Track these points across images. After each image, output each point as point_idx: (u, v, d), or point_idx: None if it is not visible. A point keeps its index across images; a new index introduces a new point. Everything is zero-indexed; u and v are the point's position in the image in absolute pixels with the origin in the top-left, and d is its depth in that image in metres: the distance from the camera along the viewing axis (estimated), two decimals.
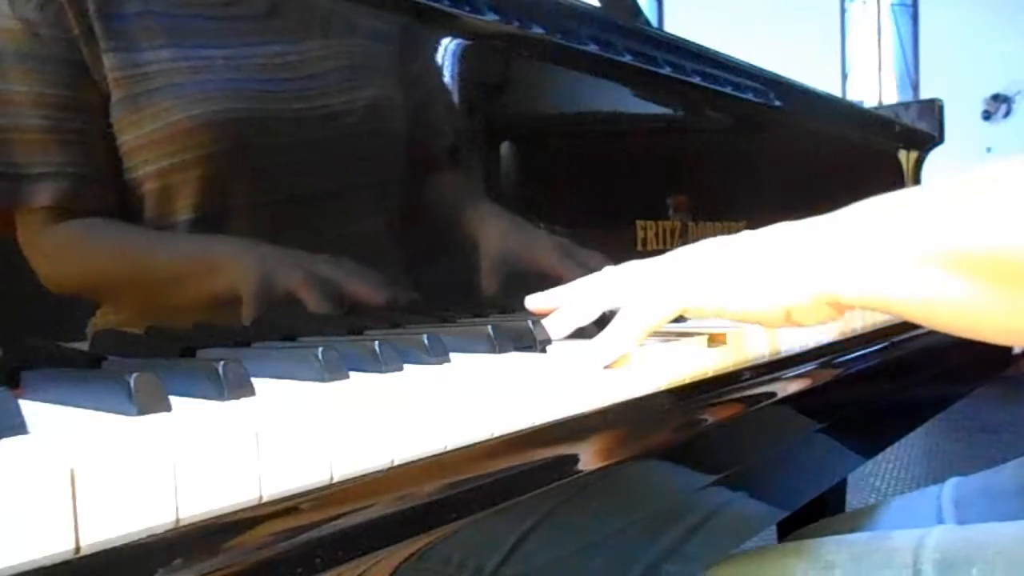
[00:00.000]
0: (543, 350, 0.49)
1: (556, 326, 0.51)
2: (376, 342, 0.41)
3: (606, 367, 0.46)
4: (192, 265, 0.50)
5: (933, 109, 1.50)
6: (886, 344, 0.75)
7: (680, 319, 0.59)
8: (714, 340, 0.55)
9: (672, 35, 0.89)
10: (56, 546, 0.23)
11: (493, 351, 0.47)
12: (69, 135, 0.45)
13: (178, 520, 0.26)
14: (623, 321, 0.48)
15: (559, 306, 0.54)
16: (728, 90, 0.94)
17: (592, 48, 0.76)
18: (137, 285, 0.48)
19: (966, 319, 0.40)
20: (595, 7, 0.86)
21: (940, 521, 0.75)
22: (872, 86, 5.91)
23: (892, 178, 1.38)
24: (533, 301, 0.56)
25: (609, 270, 0.54)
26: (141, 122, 0.47)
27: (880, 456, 2.95)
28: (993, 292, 0.39)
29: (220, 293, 0.51)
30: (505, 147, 0.70)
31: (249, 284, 0.52)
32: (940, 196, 0.42)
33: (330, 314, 0.55)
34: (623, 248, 0.78)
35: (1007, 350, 1.14)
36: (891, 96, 5.86)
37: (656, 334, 0.56)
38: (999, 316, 0.39)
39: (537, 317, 0.53)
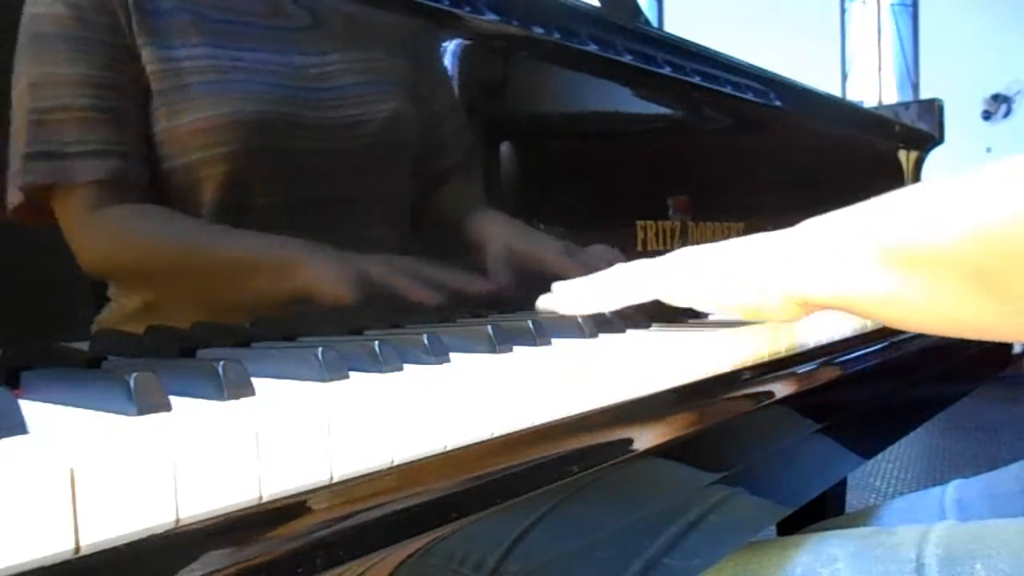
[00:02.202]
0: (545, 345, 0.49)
1: (556, 302, 0.57)
2: (376, 342, 0.41)
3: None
4: (233, 258, 0.51)
5: (933, 109, 1.50)
6: (886, 344, 0.75)
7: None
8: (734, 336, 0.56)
9: (672, 35, 0.89)
10: (56, 546, 0.23)
11: (493, 351, 0.47)
12: (112, 120, 0.46)
13: (178, 520, 0.26)
14: (603, 287, 0.55)
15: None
16: (728, 90, 0.94)
17: (592, 48, 0.76)
18: (179, 270, 0.49)
19: (899, 310, 0.45)
20: (595, 7, 0.86)
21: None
22: (872, 86, 5.91)
23: (892, 178, 1.38)
24: (545, 302, 0.59)
25: (619, 265, 0.58)
26: (175, 115, 0.48)
27: (880, 456, 2.95)
28: (914, 283, 0.43)
29: (258, 287, 0.52)
30: (505, 147, 0.70)
31: (287, 278, 0.53)
32: (877, 204, 0.46)
33: (330, 314, 0.55)
34: (623, 248, 0.78)
35: (1007, 350, 1.14)
36: (891, 96, 5.86)
37: (661, 328, 0.56)
38: (920, 305, 0.43)
39: (538, 314, 0.54)
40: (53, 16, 0.44)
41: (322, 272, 0.54)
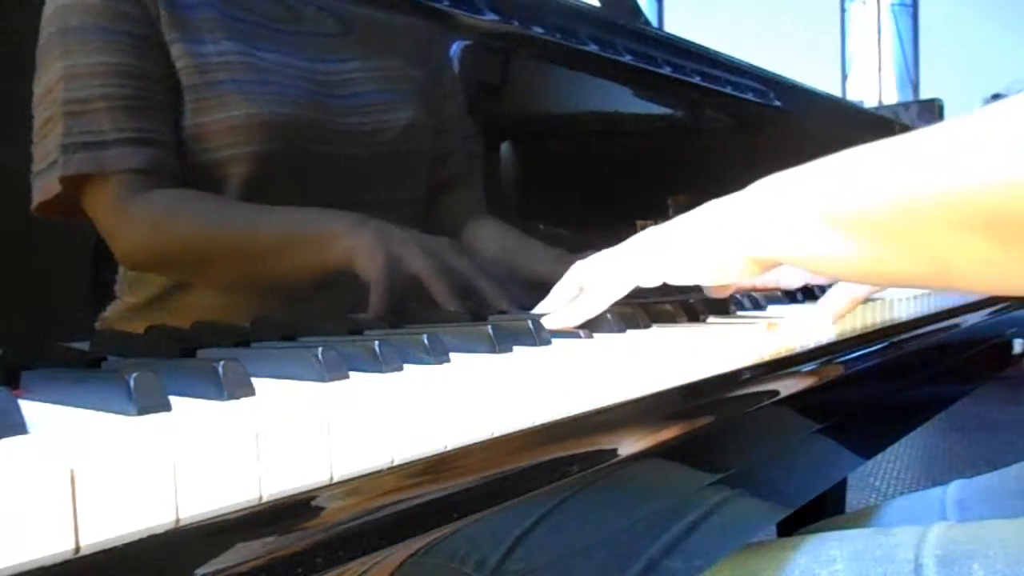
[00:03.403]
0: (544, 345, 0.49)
1: (550, 322, 0.57)
2: (376, 342, 0.41)
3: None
4: (258, 243, 0.52)
5: (933, 109, 1.50)
6: (886, 344, 0.75)
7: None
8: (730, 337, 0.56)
9: (672, 35, 0.89)
10: (56, 546, 0.23)
11: (493, 351, 0.47)
12: (148, 111, 0.46)
13: (178, 520, 0.26)
14: (586, 295, 0.56)
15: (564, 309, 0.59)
16: (728, 90, 0.94)
17: (592, 48, 0.76)
18: (222, 255, 0.50)
19: (843, 267, 0.48)
20: (595, 7, 0.86)
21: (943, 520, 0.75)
22: (872, 86, 5.91)
23: None
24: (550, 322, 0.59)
25: (577, 263, 0.60)
26: (199, 112, 0.48)
27: (880, 456, 2.95)
28: (861, 244, 0.46)
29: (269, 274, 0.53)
30: (505, 148, 0.70)
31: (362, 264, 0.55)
32: (820, 167, 0.49)
33: (330, 314, 0.55)
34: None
35: (1007, 350, 1.14)
36: (891, 96, 5.86)
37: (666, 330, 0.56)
38: (867, 264, 0.46)
39: (538, 316, 0.54)
40: (85, 7, 0.44)
41: (403, 260, 0.56)
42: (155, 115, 0.47)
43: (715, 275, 0.55)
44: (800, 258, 0.50)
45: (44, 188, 0.42)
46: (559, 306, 0.59)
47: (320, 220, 0.54)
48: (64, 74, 0.43)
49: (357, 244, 0.55)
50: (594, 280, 0.58)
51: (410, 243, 0.58)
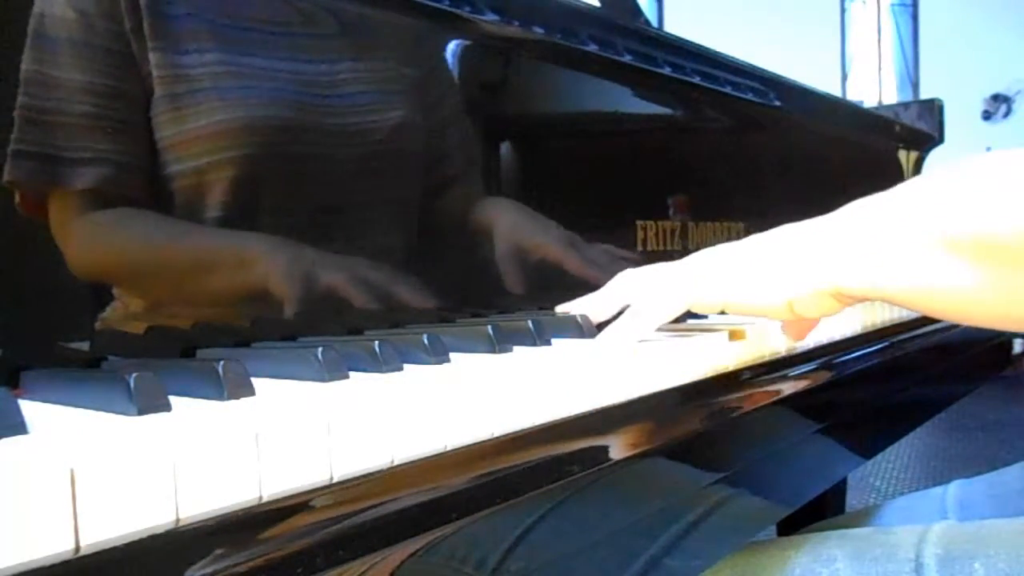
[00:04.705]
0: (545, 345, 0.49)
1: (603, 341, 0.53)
2: (376, 342, 0.41)
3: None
4: (219, 259, 0.51)
5: (933, 109, 1.50)
6: (886, 344, 0.75)
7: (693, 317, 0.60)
8: (733, 336, 0.56)
9: (672, 35, 0.89)
10: (56, 546, 0.23)
11: (493, 351, 0.47)
12: (110, 124, 0.45)
13: (178, 520, 0.26)
14: (633, 313, 0.51)
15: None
16: (728, 90, 0.94)
17: (592, 48, 0.76)
18: (162, 276, 0.49)
19: (965, 304, 0.41)
20: (595, 7, 0.86)
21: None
22: (872, 86, 5.91)
23: (892, 178, 1.37)
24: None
25: (626, 272, 0.57)
26: (178, 120, 0.48)
27: (880, 456, 2.95)
28: (992, 276, 0.39)
29: (245, 288, 0.52)
30: (505, 147, 0.70)
31: (275, 280, 0.52)
32: (938, 185, 0.43)
33: (330, 314, 0.55)
34: (624, 248, 0.78)
35: (1007, 349, 1.14)
36: (891, 96, 5.86)
37: (665, 329, 0.56)
38: (997, 301, 0.40)
39: (538, 314, 0.54)
40: (55, 18, 0.44)
41: (315, 273, 0.54)
42: (117, 132, 0.46)
43: (786, 309, 0.49)
44: (910, 291, 0.43)
45: (14, 188, 0.42)
46: (596, 311, 0.57)
47: (239, 243, 0.52)
48: (30, 79, 0.42)
49: (272, 268, 0.52)
50: (642, 298, 0.52)
51: (321, 262, 0.55)
